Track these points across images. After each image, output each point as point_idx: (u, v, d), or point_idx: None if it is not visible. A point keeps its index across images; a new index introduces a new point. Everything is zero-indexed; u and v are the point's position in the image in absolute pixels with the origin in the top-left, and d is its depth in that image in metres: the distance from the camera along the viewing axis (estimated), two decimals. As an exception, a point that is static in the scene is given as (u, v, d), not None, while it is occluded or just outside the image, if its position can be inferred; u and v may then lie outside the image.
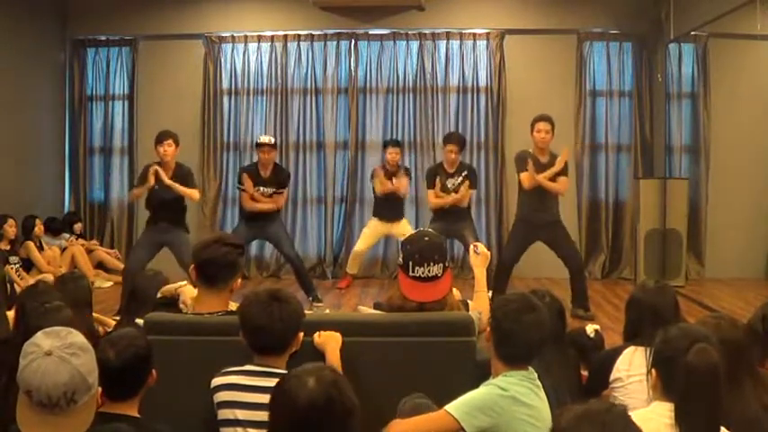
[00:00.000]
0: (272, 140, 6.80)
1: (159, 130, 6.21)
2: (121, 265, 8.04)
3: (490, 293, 4.70)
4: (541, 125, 6.11)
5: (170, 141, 6.09)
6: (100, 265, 7.97)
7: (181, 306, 2.88)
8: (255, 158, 6.97)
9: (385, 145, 7.67)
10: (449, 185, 6.75)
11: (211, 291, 2.75)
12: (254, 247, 8.19)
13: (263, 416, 2.33)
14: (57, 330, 1.75)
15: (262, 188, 6.64)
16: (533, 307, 2.32)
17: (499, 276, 6.26)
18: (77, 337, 1.74)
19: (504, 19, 8.40)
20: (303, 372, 1.76)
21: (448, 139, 6.95)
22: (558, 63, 8.34)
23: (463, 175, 6.76)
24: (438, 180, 6.76)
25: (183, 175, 6.17)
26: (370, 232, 7.58)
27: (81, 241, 8.05)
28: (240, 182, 6.74)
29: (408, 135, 8.45)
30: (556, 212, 6.25)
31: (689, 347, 1.98)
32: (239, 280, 2.82)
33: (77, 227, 8.19)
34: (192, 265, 2.76)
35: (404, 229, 7.16)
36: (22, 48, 7.85)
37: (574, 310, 6.12)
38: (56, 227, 7.90)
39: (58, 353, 1.68)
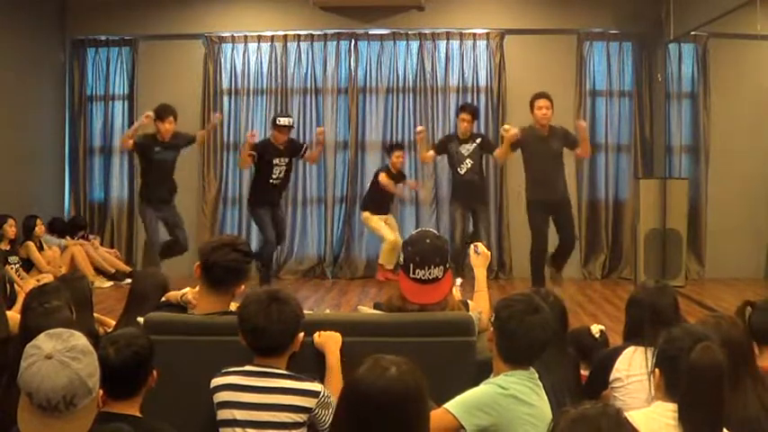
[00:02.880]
0: (291, 122, 7.28)
1: (162, 103, 6.77)
2: (121, 264, 8.04)
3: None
4: (542, 102, 6.30)
5: (171, 119, 6.64)
6: (98, 271, 7.90)
7: (189, 308, 2.87)
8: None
9: (391, 148, 7.95)
10: (462, 151, 7.07)
11: (214, 293, 2.74)
12: (254, 246, 8.16)
13: (261, 416, 2.34)
14: (59, 333, 1.74)
15: (279, 159, 7.08)
16: (538, 308, 2.31)
17: (537, 265, 6.42)
18: (79, 340, 1.74)
19: (504, 19, 8.40)
20: (382, 359, 1.77)
21: (462, 108, 7.28)
22: (558, 63, 8.34)
23: (477, 141, 7.10)
24: (449, 148, 7.17)
25: (182, 138, 6.84)
26: (381, 223, 7.93)
27: (81, 241, 8.04)
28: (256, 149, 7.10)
29: (408, 135, 8.44)
30: (564, 189, 6.46)
31: (693, 347, 1.98)
32: (243, 286, 2.81)
33: (80, 234, 8.16)
34: (197, 264, 2.76)
35: (393, 220, 8.02)
36: (22, 48, 7.85)
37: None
38: (59, 227, 7.91)
39: (58, 356, 1.67)
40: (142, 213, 6.98)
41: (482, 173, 7.40)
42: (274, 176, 7.08)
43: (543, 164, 6.30)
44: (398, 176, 8.05)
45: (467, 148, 7.09)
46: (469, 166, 7.06)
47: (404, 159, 7.90)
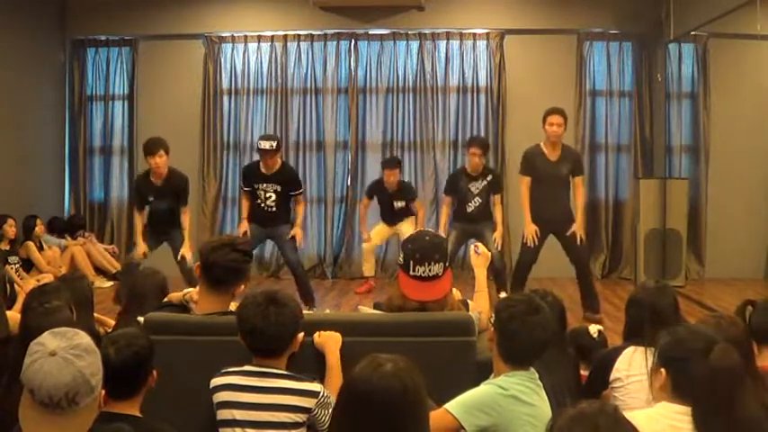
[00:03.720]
0: (273, 146, 6.20)
1: (151, 137, 6.11)
2: (117, 265, 8.04)
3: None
4: (554, 119, 5.97)
5: (161, 153, 5.95)
6: (99, 271, 7.91)
7: (192, 305, 2.88)
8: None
9: (384, 165, 7.40)
10: (472, 189, 6.60)
11: (214, 292, 2.75)
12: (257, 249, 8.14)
13: (261, 416, 2.34)
14: (63, 331, 1.75)
15: (264, 185, 6.32)
16: (538, 308, 2.32)
17: (517, 277, 6.20)
18: (83, 339, 1.75)
19: (504, 19, 8.40)
20: (379, 357, 1.77)
21: (471, 142, 6.83)
22: (558, 63, 8.35)
23: (488, 179, 6.64)
24: (459, 186, 6.66)
25: (177, 185, 6.12)
26: (377, 232, 7.53)
27: (81, 240, 8.04)
28: (244, 182, 6.48)
29: (408, 135, 8.46)
30: (567, 209, 6.16)
31: (704, 348, 1.98)
32: (243, 286, 2.81)
33: (80, 233, 8.16)
34: (197, 264, 2.76)
35: (409, 226, 7.19)
36: (22, 48, 7.86)
37: (584, 313, 6.11)
38: (58, 226, 7.90)
39: (62, 353, 1.69)
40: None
41: (489, 211, 6.70)
42: (260, 201, 6.34)
43: (550, 188, 6.05)
44: (399, 194, 7.28)
45: (477, 186, 6.59)
46: (478, 204, 6.59)
47: (399, 176, 7.31)
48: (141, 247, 6.13)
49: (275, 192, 6.31)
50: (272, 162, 6.28)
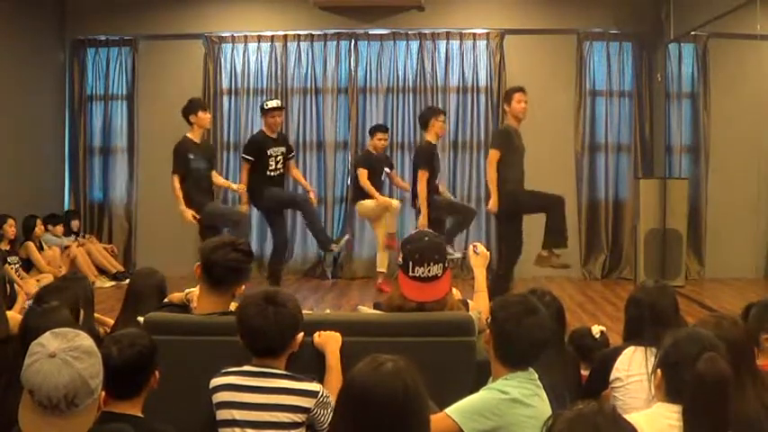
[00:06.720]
0: (281, 103, 7.02)
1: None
2: (117, 265, 8.04)
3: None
4: (523, 96, 6.04)
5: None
6: (101, 271, 7.92)
7: (193, 306, 2.88)
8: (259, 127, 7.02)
9: (372, 130, 7.65)
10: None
11: (214, 292, 2.75)
12: (254, 246, 8.16)
13: (260, 416, 2.34)
14: (65, 332, 1.75)
15: (274, 149, 6.70)
16: (534, 309, 2.30)
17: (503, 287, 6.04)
18: (84, 341, 1.75)
19: (503, 19, 8.40)
20: (379, 356, 1.77)
21: (443, 112, 7.20)
22: (558, 63, 8.35)
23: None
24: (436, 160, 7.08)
25: (211, 148, 6.83)
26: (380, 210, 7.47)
27: (81, 240, 8.04)
28: (250, 153, 6.69)
29: (408, 135, 8.46)
30: None
31: (697, 354, 1.99)
32: (243, 286, 2.81)
33: (74, 224, 8.17)
34: (197, 264, 2.76)
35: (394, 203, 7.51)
36: (22, 48, 7.85)
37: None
38: (55, 222, 7.89)
39: (62, 355, 1.68)
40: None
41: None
42: (271, 169, 6.66)
43: (521, 167, 6.05)
44: (383, 161, 7.55)
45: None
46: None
47: (387, 142, 7.62)
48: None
49: (282, 154, 6.73)
50: (280, 122, 6.81)
